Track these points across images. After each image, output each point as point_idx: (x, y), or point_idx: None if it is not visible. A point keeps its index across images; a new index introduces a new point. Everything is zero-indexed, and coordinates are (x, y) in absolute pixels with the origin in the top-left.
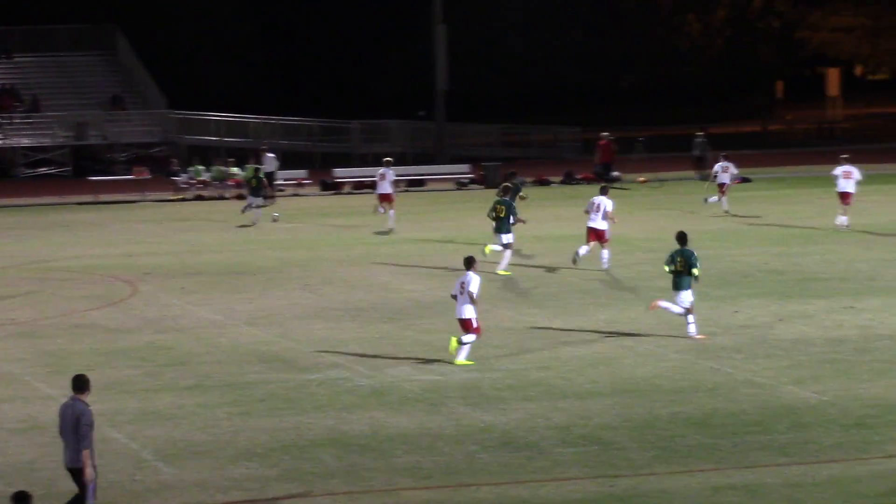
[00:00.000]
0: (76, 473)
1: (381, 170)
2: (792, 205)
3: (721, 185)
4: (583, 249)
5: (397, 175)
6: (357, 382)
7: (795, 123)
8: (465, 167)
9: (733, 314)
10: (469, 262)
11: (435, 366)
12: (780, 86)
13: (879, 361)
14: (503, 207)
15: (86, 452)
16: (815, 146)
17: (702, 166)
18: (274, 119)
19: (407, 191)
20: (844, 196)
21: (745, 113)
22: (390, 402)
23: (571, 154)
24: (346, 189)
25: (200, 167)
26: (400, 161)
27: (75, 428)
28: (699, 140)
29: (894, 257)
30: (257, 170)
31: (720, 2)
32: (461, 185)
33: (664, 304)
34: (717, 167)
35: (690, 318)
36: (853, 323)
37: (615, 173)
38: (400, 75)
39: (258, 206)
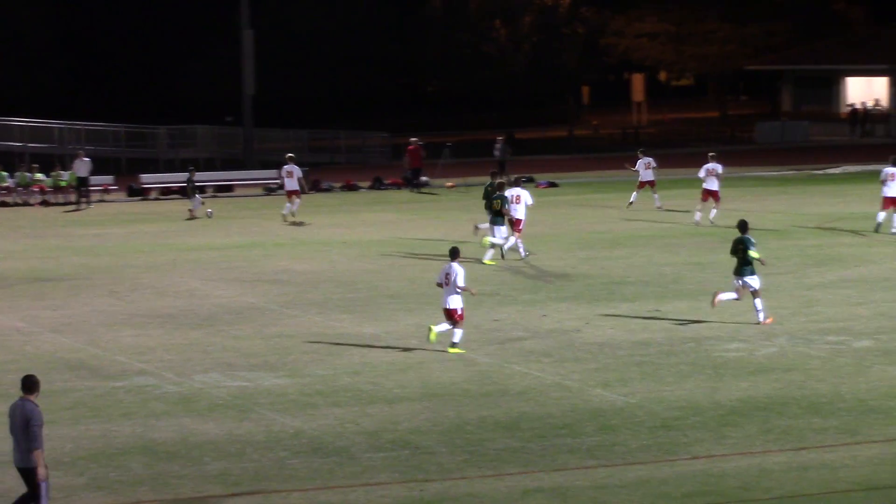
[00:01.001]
0: (26, 473)
1: (287, 167)
2: (598, 209)
3: (712, 193)
4: (511, 241)
5: (207, 180)
6: (165, 389)
7: (601, 128)
8: (273, 173)
9: (541, 318)
10: (454, 253)
11: (244, 372)
12: (586, 91)
13: (684, 364)
14: (499, 202)
15: (38, 452)
16: (621, 151)
17: (503, 170)
18: (79, 124)
19: (215, 196)
20: (708, 194)
21: (552, 118)
22: (199, 409)
23: (380, 159)
24: (153, 195)
25: (4, 173)
26: (208, 167)
27: (25, 428)
28: (500, 144)
29: (698, 261)
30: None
31: (527, 8)
32: (269, 190)
33: (724, 296)
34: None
35: (758, 303)
36: (659, 326)
37: (424, 178)
38: (207, 80)
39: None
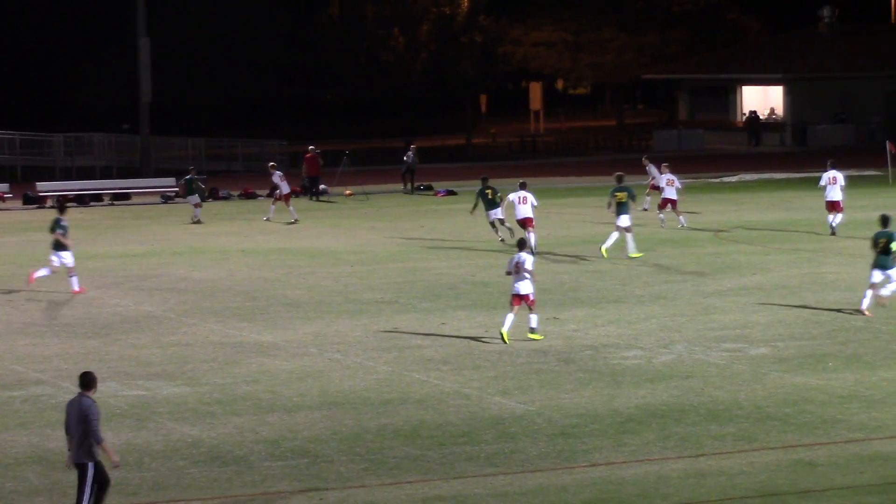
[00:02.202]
0: (79, 469)
1: (278, 173)
2: None
3: (672, 202)
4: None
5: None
6: (62, 399)
7: (499, 137)
8: (170, 181)
9: (440, 326)
10: (522, 244)
11: (142, 381)
12: (483, 99)
13: (583, 371)
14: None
15: (103, 445)
16: (518, 159)
17: (411, 178)
18: None
19: (112, 204)
20: (671, 202)
21: (450, 126)
22: None
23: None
24: (50, 203)
25: None
26: (105, 174)
27: (82, 424)
28: (410, 152)
29: (595, 269)
30: None
31: (424, 16)
32: (167, 198)
33: (887, 292)
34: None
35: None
36: (557, 334)
37: (322, 186)
38: (104, 88)
39: None
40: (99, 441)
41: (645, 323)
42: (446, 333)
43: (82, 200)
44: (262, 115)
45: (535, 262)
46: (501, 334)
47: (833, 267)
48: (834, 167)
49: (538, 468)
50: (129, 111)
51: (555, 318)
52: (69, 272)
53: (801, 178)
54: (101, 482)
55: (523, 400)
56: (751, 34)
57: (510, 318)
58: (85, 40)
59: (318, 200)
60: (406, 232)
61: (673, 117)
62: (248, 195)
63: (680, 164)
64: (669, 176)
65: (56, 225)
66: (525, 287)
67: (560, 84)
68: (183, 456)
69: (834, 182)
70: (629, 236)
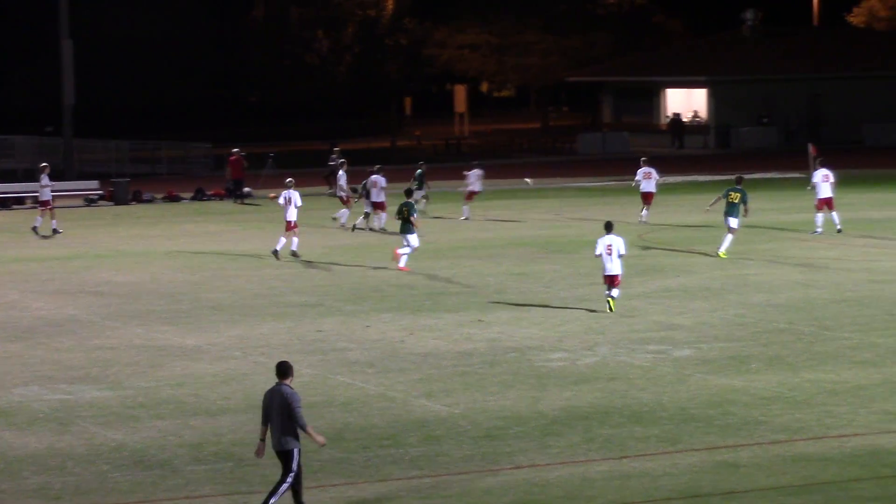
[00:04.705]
0: (284, 456)
1: (287, 185)
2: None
3: (646, 195)
4: None
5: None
6: None
7: (424, 139)
8: (94, 183)
9: (365, 328)
10: (609, 226)
11: (65, 385)
12: (408, 102)
13: (507, 374)
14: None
15: (309, 428)
16: (443, 162)
17: (333, 182)
18: None
19: (34, 207)
20: (647, 196)
21: (375, 129)
22: (18, 423)
23: (202, 170)
24: None
25: None
26: (28, 177)
27: (285, 412)
28: (334, 156)
29: (521, 271)
30: None
31: (349, 19)
32: (90, 201)
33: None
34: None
35: None
36: (482, 336)
37: (246, 189)
38: (27, 90)
39: None
40: (305, 424)
41: (569, 325)
42: (371, 336)
43: (4, 204)
44: (187, 117)
45: (627, 244)
46: (608, 303)
47: (756, 269)
48: (824, 165)
49: (463, 471)
50: (53, 114)
51: (479, 320)
52: None
53: (724, 181)
54: (299, 471)
55: (448, 402)
56: (675, 37)
57: (614, 292)
58: (7, 42)
59: (242, 203)
60: (330, 235)
61: (597, 120)
62: (172, 198)
63: (604, 167)
64: (647, 169)
65: None
66: (615, 268)
67: (485, 86)
68: (106, 460)
69: (826, 180)
70: (730, 237)
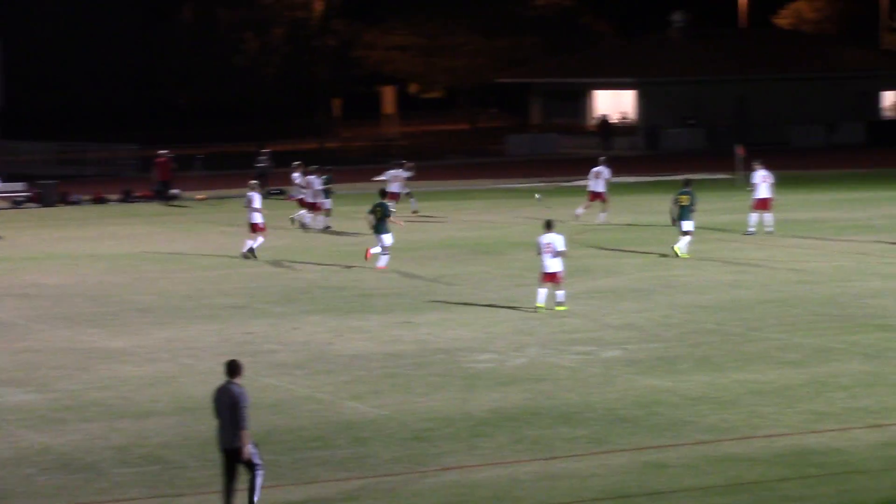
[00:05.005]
0: (232, 453)
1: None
2: (350, 221)
3: (595, 194)
4: None
5: None
6: None
7: (353, 141)
8: (20, 185)
9: (293, 330)
10: (549, 225)
11: None
12: (337, 103)
13: (435, 375)
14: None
15: (245, 432)
16: (372, 164)
17: (264, 183)
18: None
19: None
20: (595, 195)
21: (304, 130)
22: None
23: (130, 172)
24: None
25: None
26: None
27: (233, 410)
28: (263, 157)
29: (448, 273)
30: None
31: (278, 20)
32: (17, 203)
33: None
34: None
35: None
36: (410, 338)
37: (174, 191)
38: None
39: None
40: (245, 427)
41: (498, 326)
42: (299, 338)
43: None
44: (114, 119)
45: (565, 242)
46: (540, 307)
47: (683, 270)
48: (763, 166)
49: (391, 472)
50: None
51: (408, 322)
52: None
53: (652, 182)
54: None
55: (376, 404)
56: (603, 39)
57: (541, 292)
58: None
59: (170, 205)
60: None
61: (525, 121)
62: (100, 200)
63: (533, 168)
64: (597, 168)
65: None
66: (554, 265)
67: (413, 88)
68: (32, 463)
69: (765, 180)
70: (686, 239)
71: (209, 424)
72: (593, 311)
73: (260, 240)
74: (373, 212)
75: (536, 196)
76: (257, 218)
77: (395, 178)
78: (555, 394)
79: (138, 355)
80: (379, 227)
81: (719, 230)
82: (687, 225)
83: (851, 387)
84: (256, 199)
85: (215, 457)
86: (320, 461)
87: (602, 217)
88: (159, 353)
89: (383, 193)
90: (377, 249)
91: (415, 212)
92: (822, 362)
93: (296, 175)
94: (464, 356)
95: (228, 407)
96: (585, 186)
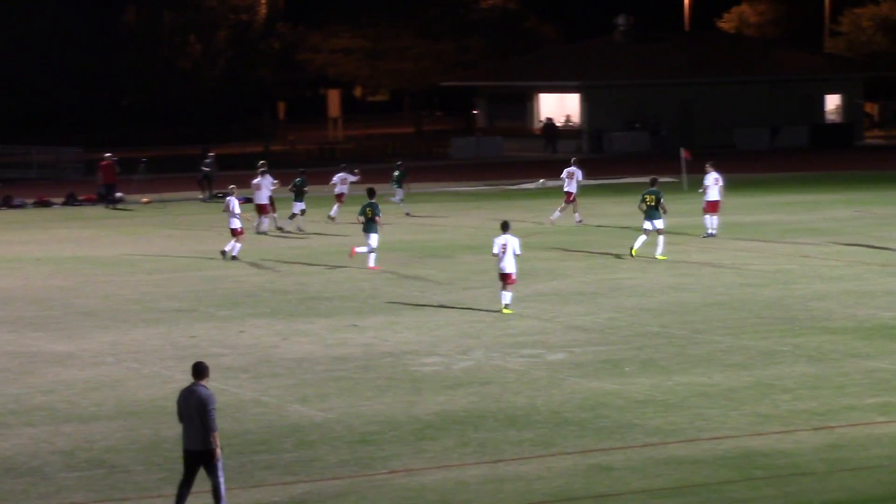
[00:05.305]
0: (201, 455)
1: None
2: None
3: (568, 194)
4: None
5: None
6: None
7: (297, 144)
8: None
9: (239, 334)
10: (505, 226)
11: None
12: (282, 106)
13: (382, 378)
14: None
15: (216, 434)
16: (317, 166)
17: (209, 186)
18: None
19: None
20: (568, 195)
21: (249, 133)
22: None
23: (74, 175)
24: None
25: None
26: None
27: (201, 412)
28: (208, 160)
29: (393, 276)
30: None
31: (222, 23)
32: None
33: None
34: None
35: None
36: (357, 341)
37: (119, 194)
38: None
39: None
40: (215, 429)
41: (444, 329)
42: (245, 341)
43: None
44: (58, 121)
45: (521, 245)
46: (505, 308)
47: (628, 273)
48: (714, 169)
49: (338, 476)
50: None
51: (354, 325)
52: None
53: (597, 185)
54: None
55: (323, 407)
56: (548, 42)
57: (504, 294)
58: None
59: (114, 208)
60: (204, 240)
61: (470, 124)
62: (43, 203)
63: (478, 171)
64: (570, 169)
65: None
66: (510, 266)
67: (358, 91)
68: None
69: (716, 183)
70: (643, 238)
71: (154, 428)
72: (539, 314)
73: (238, 245)
74: (363, 212)
75: (541, 181)
76: (236, 223)
77: (342, 181)
78: (501, 397)
79: (83, 359)
80: (367, 227)
81: (664, 233)
82: (658, 223)
83: (796, 389)
84: (235, 204)
85: (160, 460)
86: (266, 465)
87: (578, 217)
88: (104, 357)
89: (371, 193)
90: (363, 249)
91: (407, 213)
92: (767, 365)
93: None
94: (410, 359)
95: (197, 409)
96: (527, 189)
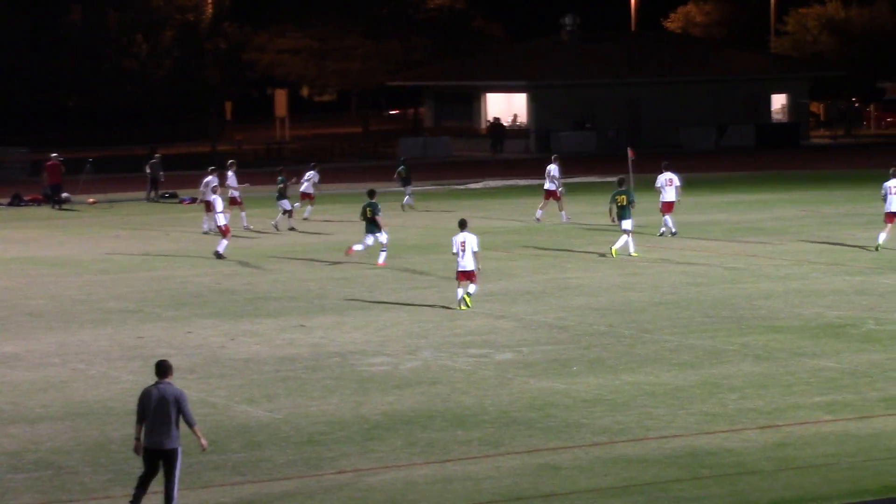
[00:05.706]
0: (165, 455)
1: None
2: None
3: (550, 192)
4: None
5: None
6: None
7: (244, 144)
8: None
9: (186, 334)
10: (463, 224)
11: None
12: (229, 106)
13: (330, 378)
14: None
15: (197, 427)
16: (264, 167)
17: (155, 187)
18: None
19: None
20: (549, 193)
21: (196, 133)
22: None
23: (19, 175)
24: None
25: None
26: None
27: (179, 408)
28: (154, 161)
29: (342, 276)
30: None
31: (168, 23)
32: None
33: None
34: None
35: None
36: (304, 341)
37: (65, 194)
38: None
39: None
40: (195, 422)
41: (392, 329)
42: (192, 342)
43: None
44: (3, 121)
45: (479, 243)
46: (461, 304)
47: (576, 273)
48: (668, 169)
49: (285, 476)
50: None
51: (301, 325)
52: None
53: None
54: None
55: (270, 408)
56: (495, 42)
57: (459, 291)
58: None
59: (60, 209)
60: (150, 240)
61: (418, 124)
62: None
63: (425, 171)
64: (550, 166)
65: None
66: (470, 264)
67: (305, 91)
68: None
69: (671, 184)
70: (625, 238)
71: (101, 429)
72: (487, 314)
73: (224, 242)
74: (363, 213)
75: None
76: (221, 220)
77: (310, 180)
78: (449, 397)
79: (28, 360)
80: (368, 227)
81: (611, 233)
82: (627, 224)
83: (743, 388)
84: (219, 203)
85: (108, 461)
86: (214, 465)
87: (564, 216)
88: (50, 358)
89: (372, 193)
90: (359, 247)
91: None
92: (715, 364)
93: (229, 174)
94: (358, 359)
95: (174, 405)
96: (475, 189)
